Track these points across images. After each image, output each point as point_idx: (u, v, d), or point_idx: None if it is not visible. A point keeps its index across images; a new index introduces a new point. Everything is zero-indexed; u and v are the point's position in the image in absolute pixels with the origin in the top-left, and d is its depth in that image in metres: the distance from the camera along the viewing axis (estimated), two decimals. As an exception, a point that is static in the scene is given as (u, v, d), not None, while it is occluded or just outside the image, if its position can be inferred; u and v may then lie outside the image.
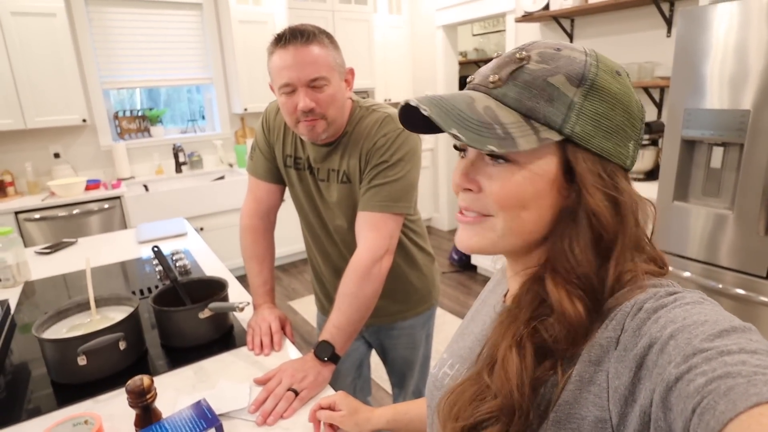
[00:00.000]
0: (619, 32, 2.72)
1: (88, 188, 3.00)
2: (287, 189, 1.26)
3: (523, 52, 0.44)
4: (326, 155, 1.12)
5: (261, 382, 0.91)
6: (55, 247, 1.77)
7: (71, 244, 1.83)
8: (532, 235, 0.46)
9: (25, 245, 2.34)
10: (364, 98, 1.16)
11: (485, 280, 3.38)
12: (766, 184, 1.49)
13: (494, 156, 0.45)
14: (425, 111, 0.41)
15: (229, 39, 3.48)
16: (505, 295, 0.56)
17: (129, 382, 0.72)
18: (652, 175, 2.39)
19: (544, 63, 0.43)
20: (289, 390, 0.86)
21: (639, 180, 2.42)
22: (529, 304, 0.45)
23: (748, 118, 1.52)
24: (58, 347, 0.88)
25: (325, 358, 0.95)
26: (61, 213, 2.82)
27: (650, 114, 2.58)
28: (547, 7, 2.83)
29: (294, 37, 0.96)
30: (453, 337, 0.62)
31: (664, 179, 1.79)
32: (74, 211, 2.86)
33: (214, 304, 1.02)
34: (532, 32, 3.22)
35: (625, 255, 0.43)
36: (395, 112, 1.09)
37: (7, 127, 2.78)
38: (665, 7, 2.43)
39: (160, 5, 3.41)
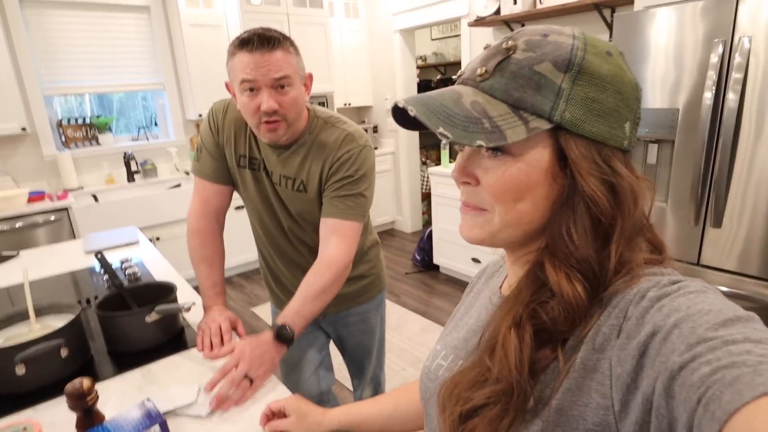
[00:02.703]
0: (563, 35, 2.86)
1: (30, 200, 2.86)
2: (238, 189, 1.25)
3: (510, 42, 0.44)
4: (282, 159, 1.14)
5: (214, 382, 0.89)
6: (-7, 260, 1.68)
7: (12, 257, 1.74)
8: (529, 225, 0.46)
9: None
10: (319, 106, 1.20)
11: (448, 278, 3.44)
12: (693, 178, 1.60)
13: (490, 149, 0.44)
14: (411, 112, 0.42)
15: (180, 43, 3.40)
16: (501, 286, 0.57)
17: (68, 385, 0.70)
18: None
19: (530, 51, 0.43)
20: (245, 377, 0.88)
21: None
22: (528, 288, 0.45)
23: (677, 117, 1.64)
24: (-8, 357, 0.84)
25: (285, 342, 0.97)
26: (2, 227, 2.67)
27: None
28: (498, 12, 2.93)
29: (261, 42, 0.97)
30: (445, 330, 0.63)
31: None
32: (17, 225, 2.71)
33: (160, 307, 1.00)
34: (485, 36, 3.32)
35: (626, 238, 0.43)
36: (355, 129, 1.15)
37: (-62, 137, 2.62)
38: (606, 12, 2.57)
39: (104, 8, 3.28)
